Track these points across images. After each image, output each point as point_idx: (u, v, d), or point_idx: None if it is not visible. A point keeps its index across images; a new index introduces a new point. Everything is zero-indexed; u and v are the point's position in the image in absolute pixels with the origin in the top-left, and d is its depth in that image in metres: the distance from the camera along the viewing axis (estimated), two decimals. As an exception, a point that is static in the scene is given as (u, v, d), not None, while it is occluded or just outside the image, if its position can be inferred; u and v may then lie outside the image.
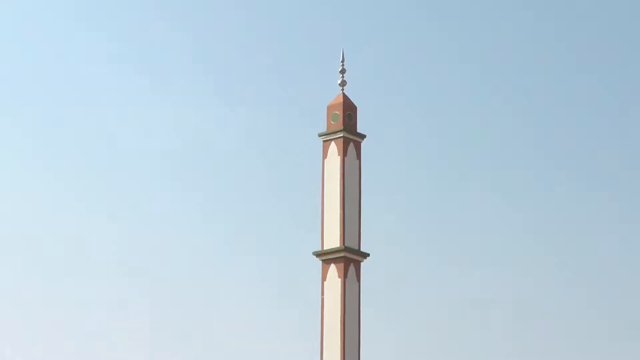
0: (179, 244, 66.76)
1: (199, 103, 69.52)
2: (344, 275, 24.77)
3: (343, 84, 26.09)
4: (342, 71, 26.14)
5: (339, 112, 25.73)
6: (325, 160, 25.85)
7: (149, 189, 69.29)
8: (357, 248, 25.19)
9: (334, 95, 26.21)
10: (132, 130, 69.32)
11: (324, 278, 25.14)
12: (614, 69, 68.22)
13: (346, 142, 25.56)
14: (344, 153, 25.56)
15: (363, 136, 26.05)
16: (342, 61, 26.25)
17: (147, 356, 63.20)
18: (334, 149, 25.71)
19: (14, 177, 67.87)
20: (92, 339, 62.65)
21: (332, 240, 25.13)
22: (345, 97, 26.00)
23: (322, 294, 25.12)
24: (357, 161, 25.85)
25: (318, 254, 25.26)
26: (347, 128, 25.66)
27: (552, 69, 68.89)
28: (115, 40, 68.20)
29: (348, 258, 24.87)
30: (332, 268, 24.98)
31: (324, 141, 25.96)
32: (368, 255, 25.36)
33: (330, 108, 26.01)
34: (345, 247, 24.89)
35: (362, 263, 25.30)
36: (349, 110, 25.87)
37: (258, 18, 68.66)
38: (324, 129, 26.08)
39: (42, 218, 67.19)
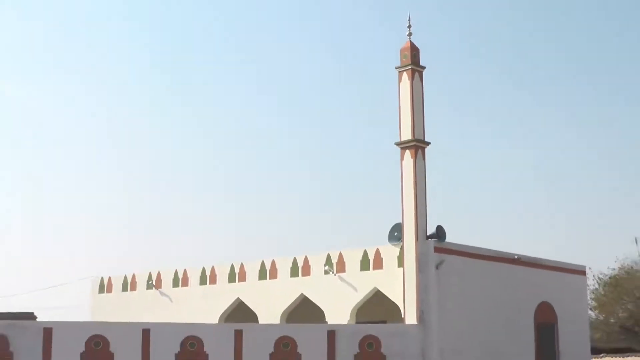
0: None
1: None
2: (415, 157, 26.74)
3: (410, 34, 27.79)
4: (409, 26, 27.83)
5: (408, 53, 27.53)
6: (400, 84, 27.55)
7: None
8: (422, 138, 27.05)
9: (404, 42, 27.86)
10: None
11: (401, 159, 27.04)
12: None
13: (413, 72, 27.42)
14: (412, 79, 27.33)
15: (424, 67, 27.69)
16: (409, 20, 27.91)
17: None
18: (405, 77, 27.49)
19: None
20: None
21: (406, 134, 27.00)
22: (411, 42, 27.67)
23: (401, 168, 26.97)
24: (421, 83, 27.58)
25: (397, 144, 27.12)
26: (413, 63, 27.41)
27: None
28: None
29: (417, 145, 26.81)
30: (407, 152, 26.93)
31: (398, 72, 27.67)
32: (429, 143, 27.14)
33: (402, 50, 27.76)
34: (415, 138, 26.80)
35: (426, 148, 27.08)
36: (414, 51, 27.60)
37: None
38: (398, 64, 27.71)
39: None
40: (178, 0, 75.53)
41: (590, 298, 51.56)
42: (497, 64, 76.39)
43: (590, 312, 48.26)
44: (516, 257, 29.72)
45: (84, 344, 24.16)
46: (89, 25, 74.76)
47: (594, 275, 54.57)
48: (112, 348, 24.27)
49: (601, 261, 78.12)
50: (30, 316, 25.85)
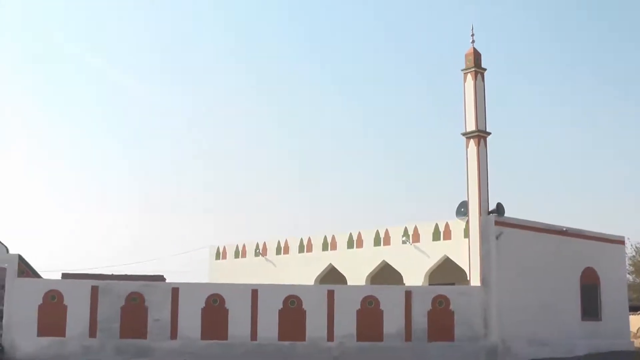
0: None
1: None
2: (478, 145, 26.22)
3: (473, 41, 27.25)
4: (472, 34, 27.31)
5: (471, 57, 27.00)
6: (465, 83, 26.97)
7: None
8: (484, 129, 26.39)
9: (468, 48, 27.33)
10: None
11: (466, 147, 26.44)
12: None
13: (476, 73, 26.81)
14: (475, 79, 26.72)
15: (485, 69, 27.05)
16: (472, 29, 27.37)
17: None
18: (469, 77, 26.86)
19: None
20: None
21: (470, 125, 26.38)
22: (474, 48, 27.13)
23: (466, 155, 26.37)
24: (482, 83, 26.94)
25: (463, 134, 26.53)
26: (476, 65, 26.85)
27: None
28: None
29: (479, 135, 26.24)
30: (471, 141, 26.36)
31: (464, 73, 27.03)
32: (490, 133, 26.44)
33: (466, 55, 27.22)
34: (478, 129, 26.24)
35: (487, 138, 26.44)
36: (477, 55, 27.01)
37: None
38: (463, 67, 27.14)
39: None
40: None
41: (629, 264, 50.40)
42: (548, 63, 74.73)
43: (628, 275, 47.26)
44: (564, 229, 28.97)
45: (204, 301, 24.43)
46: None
47: (632, 245, 53.42)
48: (227, 305, 24.46)
49: (639, 232, 76.00)
50: (160, 278, 26.21)
